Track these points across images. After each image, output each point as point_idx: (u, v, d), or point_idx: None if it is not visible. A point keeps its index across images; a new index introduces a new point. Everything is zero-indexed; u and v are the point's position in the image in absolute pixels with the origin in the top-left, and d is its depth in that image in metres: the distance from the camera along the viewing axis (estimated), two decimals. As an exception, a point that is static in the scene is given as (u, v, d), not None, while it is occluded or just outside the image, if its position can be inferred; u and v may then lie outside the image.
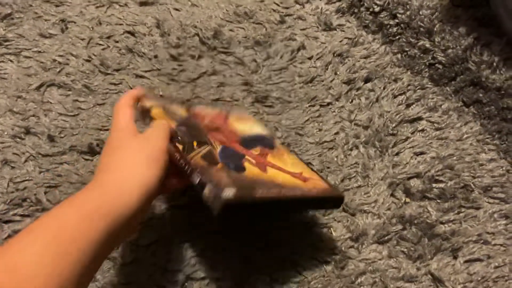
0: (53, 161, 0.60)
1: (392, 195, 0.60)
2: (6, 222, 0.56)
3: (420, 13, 0.68)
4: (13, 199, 0.57)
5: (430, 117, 0.66)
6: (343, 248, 0.57)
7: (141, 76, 0.67)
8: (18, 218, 0.56)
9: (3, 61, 0.66)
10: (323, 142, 0.64)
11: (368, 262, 0.56)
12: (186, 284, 0.54)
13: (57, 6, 0.71)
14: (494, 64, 0.64)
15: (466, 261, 0.57)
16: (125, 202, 0.40)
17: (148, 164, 0.43)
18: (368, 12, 0.72)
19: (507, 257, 0.57)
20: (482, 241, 0.58)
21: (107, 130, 0.62)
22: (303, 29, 0.72)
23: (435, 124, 0.65)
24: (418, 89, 0.68)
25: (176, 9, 0.72)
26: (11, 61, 0.66)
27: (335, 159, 0.63)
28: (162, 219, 0.57)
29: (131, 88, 0.66)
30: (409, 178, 0.61)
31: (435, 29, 0.67)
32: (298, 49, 0.70)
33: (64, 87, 0.65)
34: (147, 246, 0.56)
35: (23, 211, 0.57)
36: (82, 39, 0.69)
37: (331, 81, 0.68)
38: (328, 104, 0.67)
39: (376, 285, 0.55)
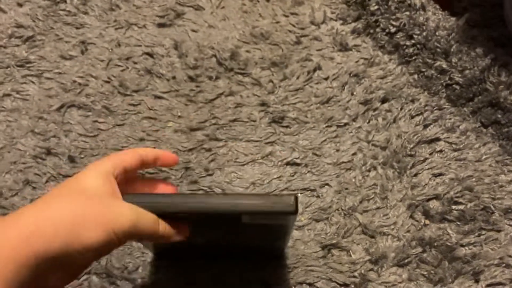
0: (73, 181, 0.60)
1: (411, 217, 0.60)
2: (27, 242, 0.57)
3: (437, 33, 0.69)
4: (33, 219, 0.57)
5: (448, 138, 0.66)
6: (362, 271, 0.56)
7: (160, 97, 0.68)
8: (38, 238, 0.57)
9: (25, 83, 0.68)
10: (341, 163, 0.64)
11: (388, 286, 0.56)
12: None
13: (77, 28, 0.72)
14: (513, 85, 0.64)
15: (488, 285, 0.56)
16: None
17: None
18: (384, 33, 0.73)
19: (529, 281, 0.56)
20: (504, 264, 0.57)
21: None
22: (319, 50, 0.73)
23: (453, 145, 0.65)
24: (435, 109, 0.68)
25: (194, 31, 0.73)
26: (33, 82, 0.68)
27: (353, 180, 0.62)
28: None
29: (150, 109, 0.66)
30: (428, 200, 0.61)
31: (451, 49, 0.67)
32: (314, 70, 0.71)
33: (84, 108, 0.66)
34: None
35: (44, 231, 0.57)
36: (102, 61, 0.70)
37: (348, 101, 0.68)
38: (345, 124, 0.67)
39: (396, 309, 0.54)
